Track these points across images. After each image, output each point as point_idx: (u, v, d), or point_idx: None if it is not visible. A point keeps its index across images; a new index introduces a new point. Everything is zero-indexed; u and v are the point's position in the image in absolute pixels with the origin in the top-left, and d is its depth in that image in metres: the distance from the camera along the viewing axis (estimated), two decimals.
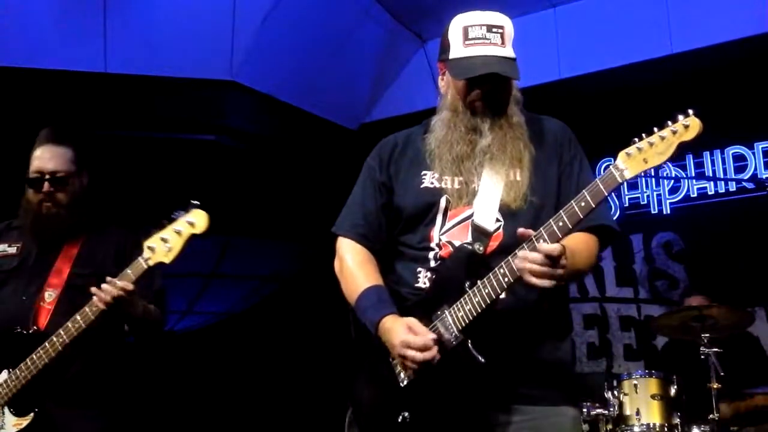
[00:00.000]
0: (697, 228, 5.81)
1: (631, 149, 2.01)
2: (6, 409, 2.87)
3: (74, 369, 2.91)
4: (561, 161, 2.33)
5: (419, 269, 2.31)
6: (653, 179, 5.71)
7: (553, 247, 2.00)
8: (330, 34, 6.00)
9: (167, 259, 2.65)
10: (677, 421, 4.26)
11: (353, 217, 2.44)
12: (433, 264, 2.28)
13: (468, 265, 2.19)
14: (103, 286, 2.72)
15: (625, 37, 5.79)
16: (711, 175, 5.76)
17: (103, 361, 3.00)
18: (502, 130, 2.28)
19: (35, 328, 2.90)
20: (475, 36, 2.27)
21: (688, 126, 1.96)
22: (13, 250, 3.10)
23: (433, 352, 2.12)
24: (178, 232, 2.62)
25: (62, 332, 2.78)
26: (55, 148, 3.05)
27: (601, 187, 2.02)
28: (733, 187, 5.66)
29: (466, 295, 2.15)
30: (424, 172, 2.35)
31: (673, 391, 4.30)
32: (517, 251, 2.06)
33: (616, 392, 4.35)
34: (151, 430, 6.38)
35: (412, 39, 6.54)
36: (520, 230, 2.07)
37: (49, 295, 2.95)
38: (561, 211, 2.05)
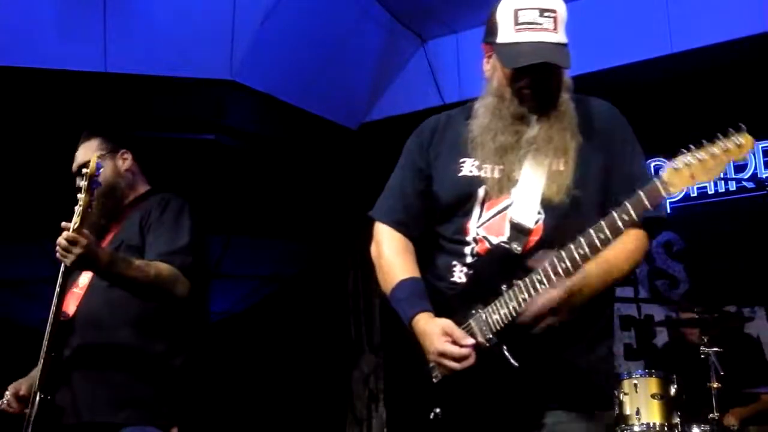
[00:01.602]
0: (697, 228, 5.79)
1: (679, 164, 1.90)
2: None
3: (78, 342, 2.91)
4: (610, 152, 2.23)
5: (454, 263, 2.25)
6: None
7: (543, 304, 1.99)
8: (330, 34, 5.99)
9: (83, 203, 2.72)
10: (677, 420, 4.27)
11: (391, 202, 2.39)
12: (469, 259, 2.23)
13: (504, 266, 2.14)
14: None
15: (625, 37, 5.77)
16: None
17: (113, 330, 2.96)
18: (549, 120, 2.18)
19: (64, 314, 2.92)
20: (527, 20, 2.13)
21: (740, 145, 1.87)
22: None
23: (471, 360, 2.08)
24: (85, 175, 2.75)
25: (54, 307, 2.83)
26: (83, 144, 3.17)
27: (645, 202, 1.95)
28: (733, 186, 5.65)
29: (501, 298, 2.10)
30: (463, 159, 2.26)
31: (673, 390, 4.30)
32: (546, 264, 2.03)
33: (616, 392, 4.35)
34: None
35: (412, 39, 6.52)
36: (530, 262, 2.07)
37: (82, 280, 2.99)
38: (602, 220, 1.99)
